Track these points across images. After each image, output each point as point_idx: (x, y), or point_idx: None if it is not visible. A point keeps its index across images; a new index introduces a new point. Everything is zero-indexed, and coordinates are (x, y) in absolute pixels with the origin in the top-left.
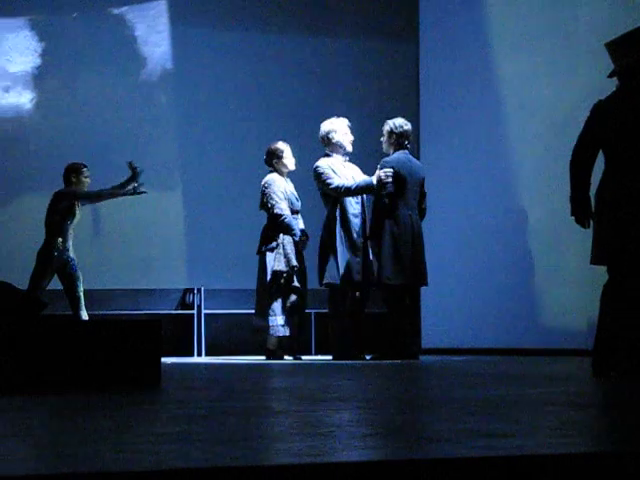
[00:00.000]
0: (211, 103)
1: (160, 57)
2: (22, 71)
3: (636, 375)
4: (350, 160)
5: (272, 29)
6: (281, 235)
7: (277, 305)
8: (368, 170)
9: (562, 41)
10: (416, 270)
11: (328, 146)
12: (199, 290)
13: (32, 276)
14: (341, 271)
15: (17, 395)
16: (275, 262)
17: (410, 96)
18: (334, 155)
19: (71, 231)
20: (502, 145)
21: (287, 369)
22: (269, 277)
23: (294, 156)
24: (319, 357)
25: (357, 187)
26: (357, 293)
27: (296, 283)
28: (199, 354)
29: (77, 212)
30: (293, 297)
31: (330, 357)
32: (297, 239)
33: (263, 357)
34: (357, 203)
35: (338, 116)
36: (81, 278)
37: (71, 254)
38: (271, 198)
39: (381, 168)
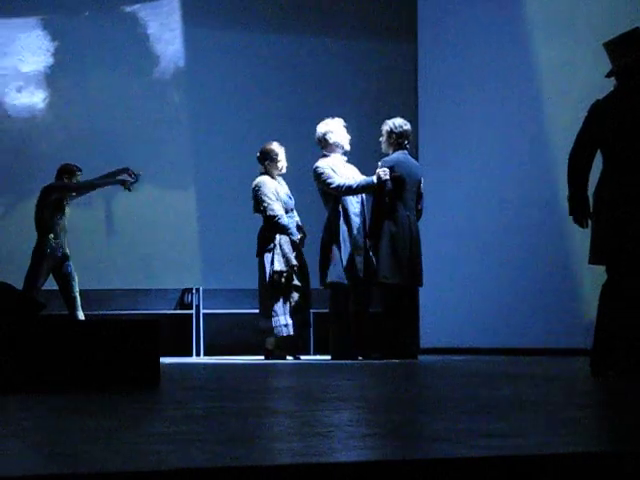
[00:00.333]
0: (213, 102)
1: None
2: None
3: (634, 374)
4: (348, 160)
5: (271, 29)
6: (278, 235)
7: (279, 305)
8: (366, 170)
9: (563, 39)
10: (412, 270)
11: (326, 147)
12: (197, 290)
13: (27, 275)
14: (344, 270)
15: (15, 395)
16: (275, 262)
17: (409, 96)
18: (332, 155)
19: (62, 227)
20: (500, 145)
21: (286, 369)
22: (269, 278)
23: (293, 156)
24: (318, 357)
25: (358, 186)
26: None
27: (297, 282)
28: (198, 354)
29: (66, 207)
30: (295, 296)
31: (329, 357)
32: (294, 238)
33: (262, 357)
34: (358, 202)
35: (334, 117)
36: (76, 278)
37: (67, 252)
38: (263, 201)
39: (380, 167)
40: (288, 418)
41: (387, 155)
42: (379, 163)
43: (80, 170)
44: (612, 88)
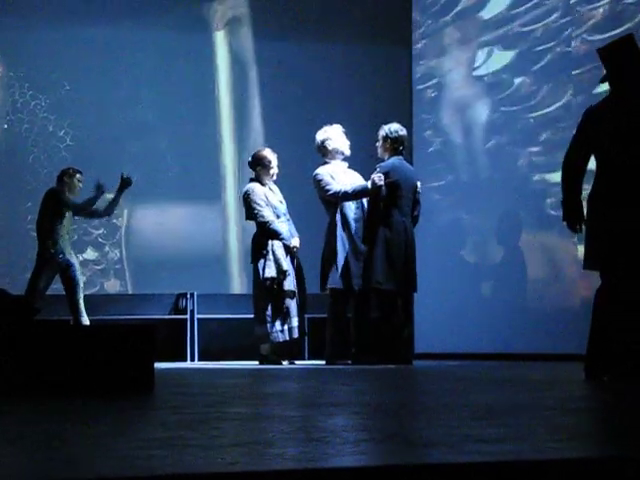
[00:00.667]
0: (213, 104)
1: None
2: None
3: (629, 378)
4: (348, 166)
5: (266, 35)
6: (270, 241)
7: (273, 311)
8: (363, 176)
9: (557, 46)
10: (407, 276)
11: (325, 155)
12: (192, 295)
13: (30, 277)
14: (340, 276)
15: (10, 400)
16: (266, 269)
17: (403, 102)
18: (332, 162)
19: (64, 233)
20: (494, 151)
21: (281, 374)
22: (262, 284)
23: (288, 161)
24: (313, 362)
25: (354, 191)
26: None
27: (289, 287)
28: (192, 359)
29: (65, 213)
30: (288, 301)
31: (324, 362)
32: (287, 242)
33: (257, 362)
34: (357, 208)
35: (331, 121)
36: (81, 284)
37: (71, 259)
38: (253, 208)
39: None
40: (283, 423)
41: (383, 160)
42: (377, 168)
43: (79, 172)
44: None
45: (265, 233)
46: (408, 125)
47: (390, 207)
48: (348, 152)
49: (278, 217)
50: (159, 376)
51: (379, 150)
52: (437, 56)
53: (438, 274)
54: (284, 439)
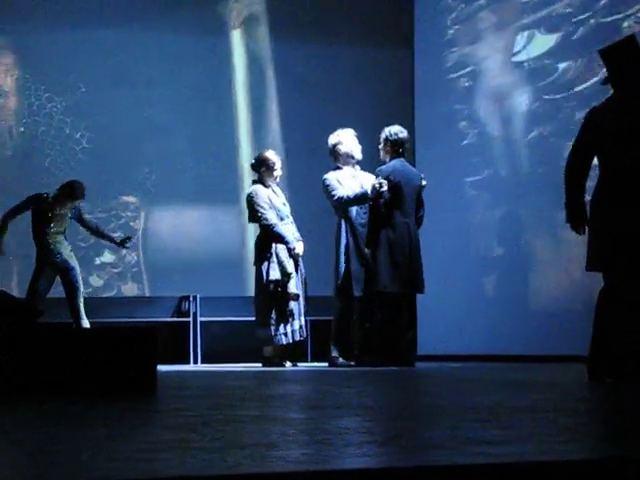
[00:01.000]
0: (213, 107)
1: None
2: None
3: (632, 380)
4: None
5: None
6: (274, 244)
7: (277, 314)
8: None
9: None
10: (412, 278)
11: (337, 159)
12: (195, 297)
13: (30, 280)
14: (339, 281)
15: (12, 402)
16: (270, 272)
17: (405, 103)
18: (345, 168)
19: (53, 236)
20: (497, 152)
21: (284, 376)
22: (265, 287)
23: (291, 163)
24: (316, 364)
25: (355, 196)
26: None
27: (293, 289)
28: (195, 362)
29: (54, 219)
30: (291, 304)
31: (327, 364)
32: (290, 246)
33: (260, 364)
34: (365, 213)
35: (335, 124)
36: (81, 289)
37: (71, 262)
38: (257, 211)
39: (377, 176)
40: (286, 426)
41: (384, 163)
42: (378, 171)
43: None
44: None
45: (269, 236)
46: (411, 127)
47: (392, 209)
48: (359, 156)
49: (282, 219)
50: (162, 378)
51: (381, 153)
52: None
53: (441, 276)
54: (287, 441)
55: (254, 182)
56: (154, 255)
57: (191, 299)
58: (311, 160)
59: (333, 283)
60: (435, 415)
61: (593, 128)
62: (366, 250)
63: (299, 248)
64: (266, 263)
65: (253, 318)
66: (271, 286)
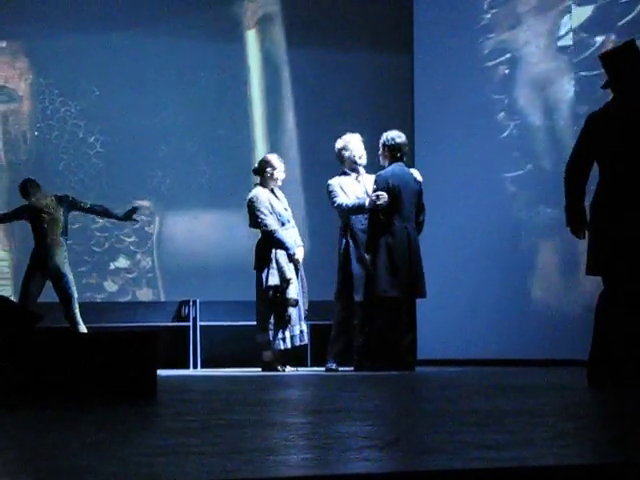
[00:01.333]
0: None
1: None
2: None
3: (632, 384)
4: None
5: (266, 42)
6: (273, 250)
7: (275, 319)
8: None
9: (558, 54)
10: (412, 283)
11: (342, 163)
12: (194, 302)
13: (21, 283)
14: (339, 286)
15: (12, 407)
16: (269, 277)
17: (405, 107)
18: (352, 174)
19: (45, 243)
20: (497, 157)
21: (283, 381)
22: (265, 292)
23: (291, 166)
24: (315, 369)
25: (353, 206)
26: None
27: (292, 295)
28: (195, 366)
29: (42, 225)
30: (290, 310)
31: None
32: (291, 252)
33: (259, 369)
34: (365, 219)
35: (334, 129)
36: (75, 296)
37: (63, 269)
38: (257, 216)
39: (375, 181)
40: (285, 430)
41: (383, 168)
42: (380, 175)
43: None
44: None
45: (269, 241)
46: (410, 132)
47: (391, 214)
48: (363, 162)
49: (283, 224)
50: (161, 383)
51: (380, 158)
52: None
53: (441, 280)
54: (286, 446)
55: (256, 185)
56: (157, 260)
57: (191, 303)
58: (312, 163)
59: (334, 287)
60: (435, 419)
61: (593, 132)
62: (366, 255)
63: (299, 254)
64: (266, 269)
65: (253, 323)
66: (270, 292)
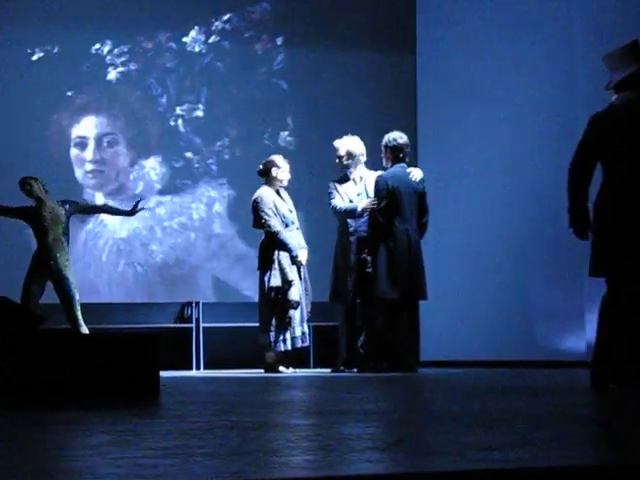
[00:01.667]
0: (210, 115)
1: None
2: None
3: (634, 385)
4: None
5: (270, 42)
6: (276, 251)
7: (276, 321)
8: None
9: (560, 56)
10: (412, 285)
11: (339, 164)
12: (197, 303)
13: (23, 283)
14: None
15: (16, 409)
16: (272, 278)
17: (408, 108)
18: (353, 172)
19: (56, 242)
20: (500, 158)
21: (286, 383)
22: (267, 294)
23: (294, 168)
24: (318, 370)
25: (345, 210)
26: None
27: (294, 297)
28: (197, 368)
29: (44, 227)
30: (291, 312)
31: (329, 370)
32: (294, 254)
33: (262, 370)
34: (363, 222)
35: (338, 131)
36: (76, 298)
37: (64, 271)
38: (261, 217)
39: (376, 183)
40: (288, 432)
41: (386, 169)
42: (381, 176)
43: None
44: (609, 101)
45: (272, 242)
46: (413, 133)
47: (392, 216)
48: (345, 164)
49: (287, 226)
50: (164, 385)
51: (383, 160)
52: (442, 62)
53: (442, 281)
54: (289, 448)
55: (262, 185)
56: (158, 261)
57: (193, 305)
58: (312, 164)
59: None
60: (437, 421)
61: (597, 133)
62: (367, 257)
63: (302, 256)
64: (268, 270)
65: (256, 324)
66: (272, 293)
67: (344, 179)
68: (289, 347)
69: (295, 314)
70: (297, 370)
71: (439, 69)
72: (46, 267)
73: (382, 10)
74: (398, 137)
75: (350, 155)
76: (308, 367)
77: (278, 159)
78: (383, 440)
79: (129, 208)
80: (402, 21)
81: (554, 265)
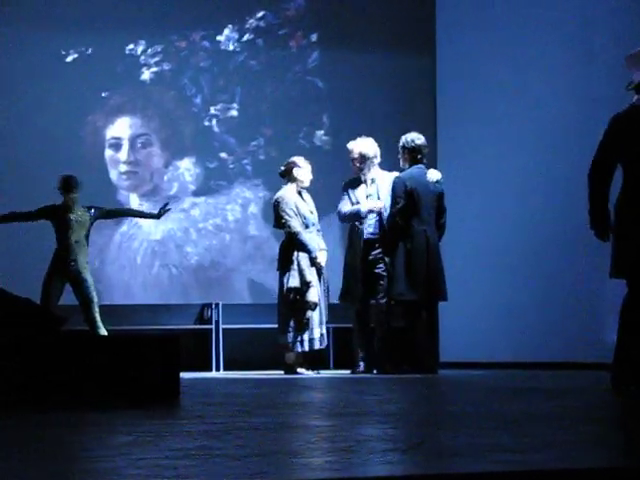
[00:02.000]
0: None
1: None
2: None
3: None
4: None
5: (287, 44)
6: (296, 252)
7: (294, 322)
8: None
9: (579, 57)
10: (431, 286)
11: (353, 165)
12: (217, 305)
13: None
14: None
15: (36, 410)
16: (290, 279)
17: (427, 111)
18: (367, 174)
19: (77, 244)
20: (519, 160)
21: (305, 384)
22: (285, 295)
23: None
24: (338, 372)
25: (350, 214)
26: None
27: (312, 299)
28: (217, 369)
29: (67, 227)
30: (309, 313)
31: (349, 372)
32: (313, 255)
33: (282, 372)
34: (370, 226)
35: (354, 132)
36: (95, 300)
37: (84, 273)
38: (282, 217)
39: (393, 183)
40: (308, 433)
41: (403, 170)
42: (400, 177)
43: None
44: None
45: (292, 243)
46: (433, 135)
47: (410, 217)
48: (359, 167)
49: (307, 227)
50: (184, 386)
51: (400, 161)
52: (461, 64)
53: (462, 283)
54: (309, 449)
55: (284, 185)
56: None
57: (213, 306)
58: (332, 165)
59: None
60: (457, 422)
61: (617, 133)
62: (385, 259)
63: (322, 258)
64: (287, 271)
65: (275, 325)
66: (290, 294)
67: (356, 181)
68: (306, 348)
69: (314, 315)
70: (318, 372)
71: (459, 69)
72: (66, 267)
73: (401, 10)
74: (416, 138)
75: (363, 157)
76: (328, 369)
77: (299, 160)
78: (403, 441)
79: (155, 211)
80: (422, 21)
81: (573, 266)
